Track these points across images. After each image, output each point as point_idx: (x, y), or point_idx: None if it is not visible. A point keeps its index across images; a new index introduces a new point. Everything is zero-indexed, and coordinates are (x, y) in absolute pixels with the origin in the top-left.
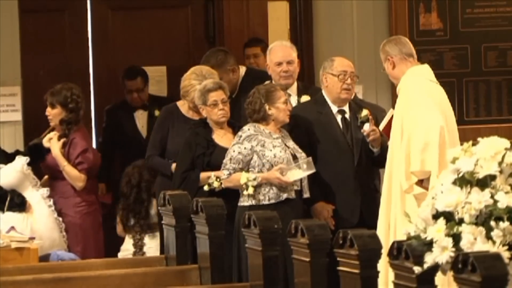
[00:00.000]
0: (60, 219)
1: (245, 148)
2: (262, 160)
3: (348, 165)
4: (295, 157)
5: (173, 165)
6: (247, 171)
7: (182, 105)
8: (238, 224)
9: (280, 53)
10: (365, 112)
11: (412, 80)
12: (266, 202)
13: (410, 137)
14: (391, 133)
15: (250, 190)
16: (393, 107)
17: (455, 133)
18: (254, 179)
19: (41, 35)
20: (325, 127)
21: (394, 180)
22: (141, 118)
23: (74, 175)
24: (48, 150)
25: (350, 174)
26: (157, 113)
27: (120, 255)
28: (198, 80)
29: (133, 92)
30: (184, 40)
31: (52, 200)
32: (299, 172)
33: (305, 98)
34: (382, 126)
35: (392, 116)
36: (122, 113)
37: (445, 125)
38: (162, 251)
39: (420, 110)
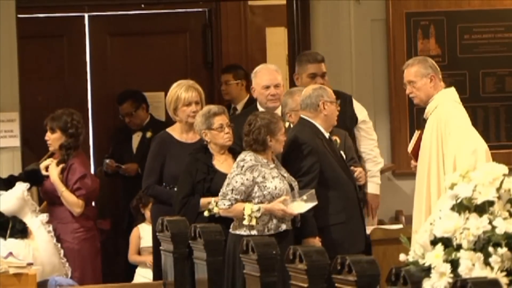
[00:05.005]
0: (59, 244)
1: (247, 179)
2: (263, 192)
3: (354, 191)
4: (291, 186)
5: None
6: (249, 201)
7: (173, 130)
8: (233, 251)
9: (267, 76)
10: (338, 140)
11: (447, 103)
12: (266, 233)
13: (456, 159)
14: (420, 153)
15: (254, 221)
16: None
17: None
18: (258, 210)
19: (40, 61)
20: (331, 153)
21: (433, 203)
22: (136, 140)
23: (72, 201)
24: (45, 177)
25: (355, 199)
26: (148, 134)
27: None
28: (180, 86)
29: (125, 117)
30: (182, 66)
31: (51, 225)
32: (302, 204)
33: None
34: (410, 147)
35: (419, 137)
36: (122, 135)
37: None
38: (158, 276)
39: (464, 133)
